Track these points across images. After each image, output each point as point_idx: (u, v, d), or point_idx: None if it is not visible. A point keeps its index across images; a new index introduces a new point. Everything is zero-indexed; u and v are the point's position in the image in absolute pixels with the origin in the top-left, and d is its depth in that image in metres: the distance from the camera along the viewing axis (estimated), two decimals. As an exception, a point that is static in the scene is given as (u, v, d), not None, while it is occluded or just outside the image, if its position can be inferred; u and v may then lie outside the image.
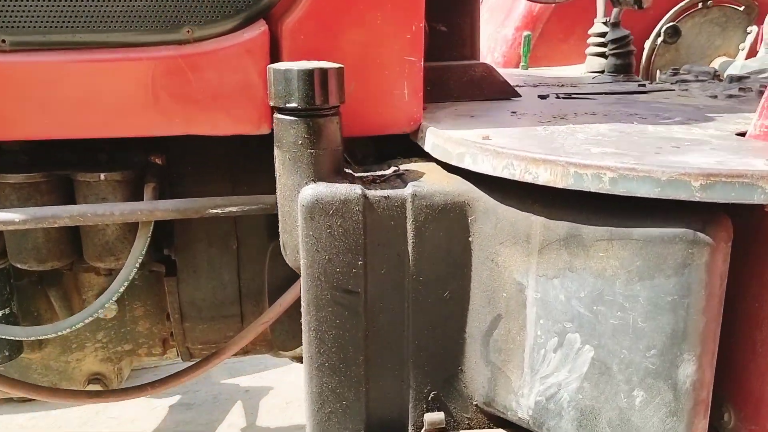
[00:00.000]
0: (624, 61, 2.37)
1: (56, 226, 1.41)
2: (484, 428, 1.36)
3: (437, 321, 1.29)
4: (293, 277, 1.67)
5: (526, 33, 2.68)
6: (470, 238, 1.26)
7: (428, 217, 1.23)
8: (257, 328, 1.63)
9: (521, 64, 2.70)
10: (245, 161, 1.61)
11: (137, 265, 1.43)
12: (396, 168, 1.31)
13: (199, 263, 1.67)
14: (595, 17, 2.54)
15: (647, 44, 2.69)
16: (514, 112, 1.62)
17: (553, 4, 2.72)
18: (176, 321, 1.74)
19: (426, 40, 1.72)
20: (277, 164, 1.23)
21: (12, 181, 1.43)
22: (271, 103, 1.21)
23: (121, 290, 1.43)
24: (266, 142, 1.53)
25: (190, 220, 1.63)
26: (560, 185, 1.04)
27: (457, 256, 1.26)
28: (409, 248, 1.24)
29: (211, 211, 1.41)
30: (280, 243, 1.30)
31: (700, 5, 2.62)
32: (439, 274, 1.27)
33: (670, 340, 1.05)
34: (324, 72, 1.18)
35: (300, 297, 1.46)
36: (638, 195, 0.98)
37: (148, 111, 1.31)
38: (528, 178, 1.08)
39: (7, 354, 1.62)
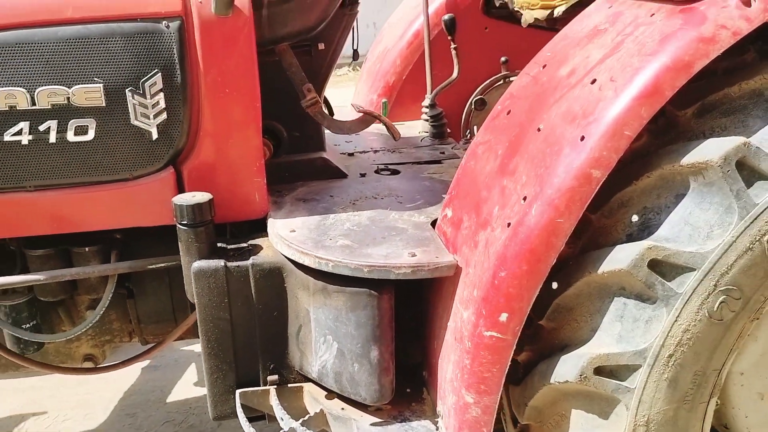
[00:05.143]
0: (439, 130, 3.49)
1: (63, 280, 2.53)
2: (300, 383, 2.52)
3: (273, 330, 2.43)
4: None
5: (383, 101, 3.77)
6: (285, 286, 2.38)
7: (261, 276, 2.35)
8: (183, 327, 2.78)
9: None
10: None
11: (109, 298, 2.55)
12: (247, 244, 2.43)
13: (147, 291, 2.79)
14: (427, 94, 3.62)
15: (465, 111, 3.80)
16: (332, 196, 2.72)
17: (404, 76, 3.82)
18: (135, 322, 2.87)
19: (280, 143, 2.82)
20: (181, 249, 2.34)
21: (37, 253, 2.54)
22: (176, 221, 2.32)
23: (102, 312, 2.55)
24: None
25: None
26: (315, 267, 2.17)
27: (281, 296, 2.39)
28: (254, 294, 2.37)
29: (149, 267, 2.53)
30: (185, 289, 2.42)
31: (501, 81, 3.71)
32: (272, 307, 2.39)
33: (366, 341, 2.20)
34: (200, 205, 2.27)
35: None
36: (345, 274, 2.11)
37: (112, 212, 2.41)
38: (305, 261, 2.20)
39: (36, 348, 2.76)
